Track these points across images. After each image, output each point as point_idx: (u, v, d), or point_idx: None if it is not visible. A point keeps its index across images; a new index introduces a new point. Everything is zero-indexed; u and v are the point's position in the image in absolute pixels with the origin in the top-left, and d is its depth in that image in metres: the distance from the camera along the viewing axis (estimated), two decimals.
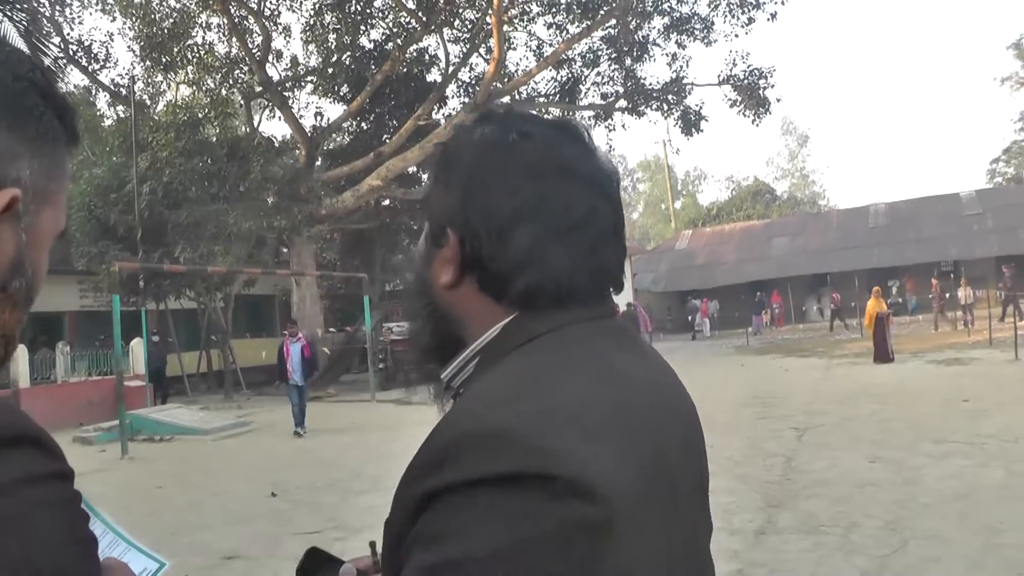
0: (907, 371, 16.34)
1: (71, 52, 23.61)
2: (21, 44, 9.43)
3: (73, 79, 25.41)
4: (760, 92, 26.77)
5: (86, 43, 24.78)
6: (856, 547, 5.61)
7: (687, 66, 32.62)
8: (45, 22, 20.39)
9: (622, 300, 31.11)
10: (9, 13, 9.18)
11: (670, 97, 27.55)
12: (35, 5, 18.68)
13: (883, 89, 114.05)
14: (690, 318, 38.07)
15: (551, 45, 26.75)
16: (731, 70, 26.91)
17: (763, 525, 6.21)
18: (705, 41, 26.65)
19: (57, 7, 23.39)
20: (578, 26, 25.55)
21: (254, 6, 24.33)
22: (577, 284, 0.89)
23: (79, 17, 41.52)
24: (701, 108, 27.60)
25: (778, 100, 27.01)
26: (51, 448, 0.71)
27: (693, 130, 27.59)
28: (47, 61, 10.21)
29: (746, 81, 26.72)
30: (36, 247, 0.78)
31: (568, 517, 0.70)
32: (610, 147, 35.33)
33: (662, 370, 0.96)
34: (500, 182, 0.90)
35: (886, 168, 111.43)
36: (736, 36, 40.08)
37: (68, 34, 23.86)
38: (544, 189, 0.90)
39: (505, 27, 24.11)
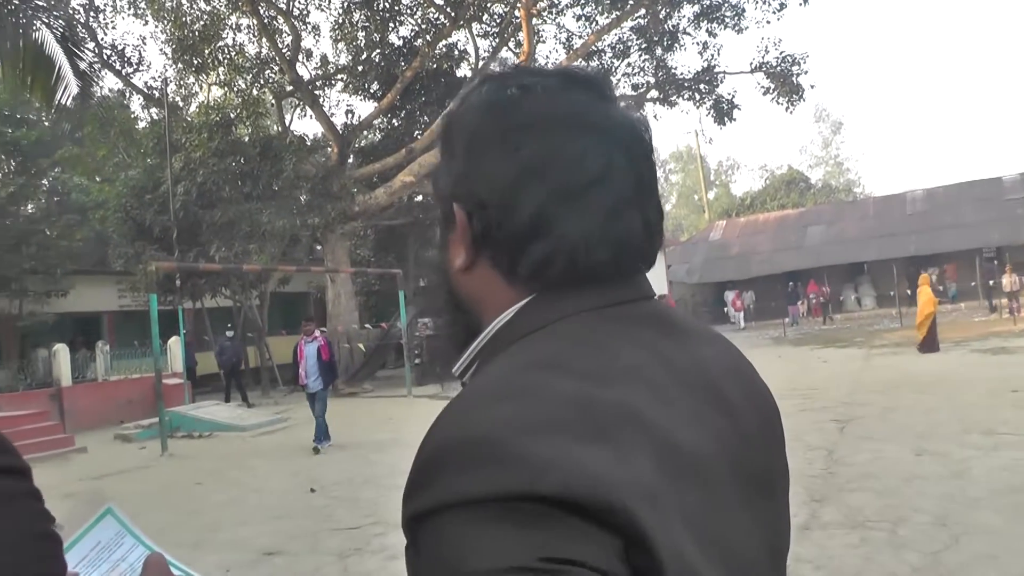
0: (951, 360, 16.05)
1: (105, 57, 23.85)
2: (58, 50, 9.51)
3: (107, 83, 25.71)
4: (793, 79, 26.57)
5: (119, 47, 25.07)
6: (905, 542, 5.47)
7: (718, 54, 32.45)
8: (80, 28, 20.61)
9: (656, 291, 30.95)
10: (47, 21, 9.27)
11: (702, 86, 27.42)
12: (71, 12, 18.92)
13: (920, 71, 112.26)
14: (726, 309, 37.86)
15: (580, 37, 26.66)
16: (763, 57, 26.75)
17: (807, 520, 6.10)
18: (736, 28, 26.45)
19: (91, 13, 23.67)
20: (607, 17, 25.44)
21: (283, 6, 24.43)
22: (596, 257, 0.79)
23: (112, 22, 42.12)
24: (733, 97, 27.52)
25: (812, 87, 26.84)
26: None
27: (726, 119, 27.46)
28: (82, 66, 10.29)
29: (779, 68, 26.53)
30: None
31: (563, 534, 0.59)
32: None
33: (710, 356, 0.84)
34: (500, 142, 0.81)
35: (923, 154, 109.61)
36: (768, 22, 39.89)
37: (102, 39, 24.12)
38: (550, 143, 0.80)
39: (534, 20, 24.05)
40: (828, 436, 9.57)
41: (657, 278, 37.80)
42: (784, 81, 26.59)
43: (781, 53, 26.58)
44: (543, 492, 0.60)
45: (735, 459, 0.78)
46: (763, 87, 27.22)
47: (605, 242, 0.79)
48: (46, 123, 23.31)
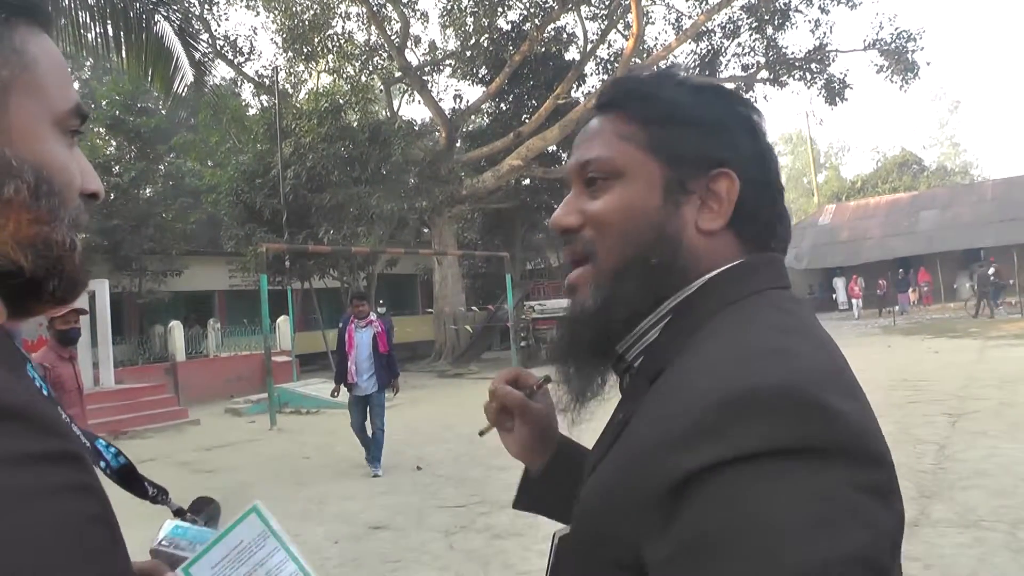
0: None
1: (218, 47, 24.68)
2: (176, 41, 9.92)
3: (220, 72, 26.57)
4: (908, 56, 25.65)
5: (232, 38, 26.08)
6: None
7: (830, 32, 31.39)
8: (195, 20, 21.35)
9: None
10: (166, 14, 9.67)
11: (813, 66, 26.67)
12: (187, 5, 19.60)
13: None
14: (834, 295, 36.78)
15: (690, 17, 26.24)
16: (877, 34, 25.99)
17: (916, 516, 5.93)
18: (850, 4, 25.60)
19: (206, 5, 24.51)
20: None
21: None
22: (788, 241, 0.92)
23: (225, 14, 43.44)
24: (845, 76, 26.68)
25: (927, 64, 25.74)
26: (41, 423, 0.58)
27: (837, 99, 26.68)
28: (197, 56, 10.70)
29: (893, 45, 25.70)
30: (26, 141, 0.70)
31: (868, 485, 0.64)
32: None
33: None
34: (752, 129, 0.90)
35: None
36: None
37: (215, 30, 25.03)
38: (767, 141, 0.92)
39: (643, 1, 23.74)
40: (939, 430, 9.24)
41: None
42: (899, 58, 25.74)
43: (896, 29, 25.82)
44: (838, 443, 0.64)
45: None
46: (876, 65, 26.41)
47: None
48: (163, 111, 24.25)
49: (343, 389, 9.44)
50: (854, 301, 34.73)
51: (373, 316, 9.60)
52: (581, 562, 0.78)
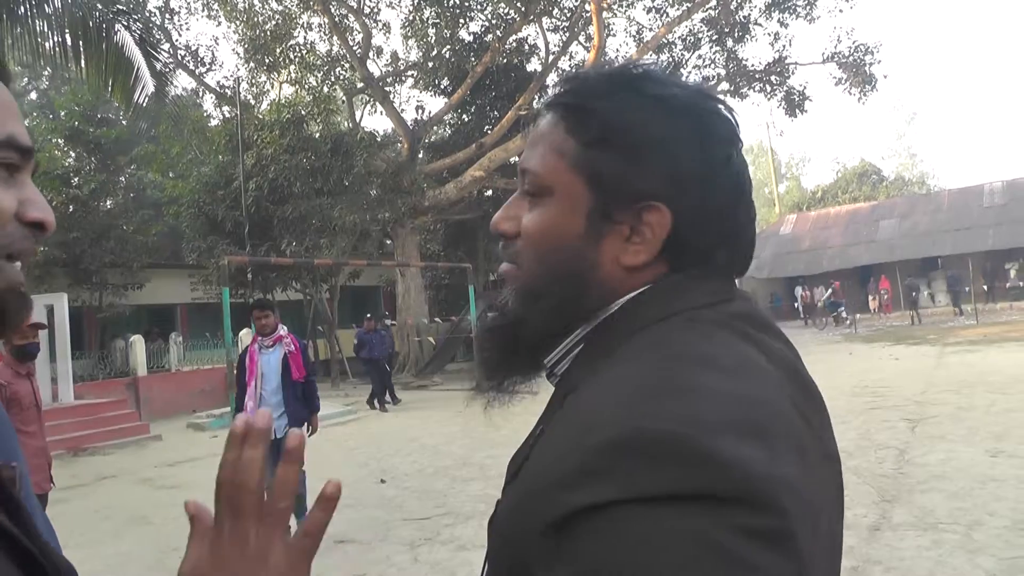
0: None
1: (179, 57, 24.53)
2: (136, 51, 9.84)
3: (181, 82, 26.37)
4: (866, 68, 26.11)
5: (193, 48, 25.93)
6: (980, 547, 5.32)
7: (790, 45, 31.89)
8: (157, 30, 21.19)
9: None
10: (127, 24, 9.61)
11: (773, 78, 27.08)
12: (148, 15, 19.46)
13: (999, 57, 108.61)
14: (796, 304, 37.10)
15: (651, 30, 26.54)
16: (836, 47, 26.49)
17: (877, 520, 6.00)
18: (808, 18, 26.09)
19: (167, 15, 24.35)
20: (678, 9, 25.26)
21: (354, 4, 24.81)
22: (746, 259, 0.87)
23: (186, 24, 43.25)
24: (805, 88, 27.08)
25: (884, 76, 26.26)
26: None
27: (797, 111, 27.10)
28: (158, 66, 10.62)
29: (851, 58, 26.16)
30: None
31: (752, 533, 0.60)
32: None
33: (786, 351, 0.84)
34: (702, 147, 0.81)
35: (1004, 144, 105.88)
36: (840, 11, 39.13)
37: (177, 40, 24.88)
38: (739, 158, 0.84)
39: (604, 13, 23.96)
40: (899, 435, 9.37)
41: None
42: (856, 71, 26.19)
43: (854, 43, 26.26)
44: (725, 491, 0.61)
45: (830, 455, 0.80)
46: (835, 78, 26.85)
47: (751, 246, 0.87)
48: (124, 122, 23.99)
49: None
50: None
51: (283, 331, 7.31)
52: (493, 564, 0.79)
